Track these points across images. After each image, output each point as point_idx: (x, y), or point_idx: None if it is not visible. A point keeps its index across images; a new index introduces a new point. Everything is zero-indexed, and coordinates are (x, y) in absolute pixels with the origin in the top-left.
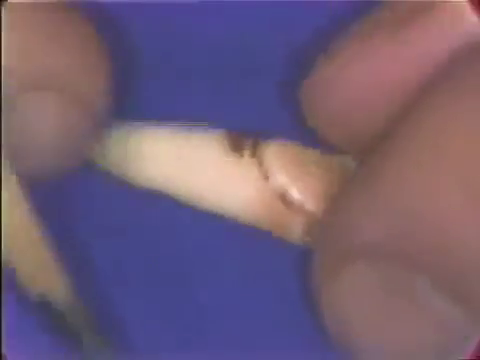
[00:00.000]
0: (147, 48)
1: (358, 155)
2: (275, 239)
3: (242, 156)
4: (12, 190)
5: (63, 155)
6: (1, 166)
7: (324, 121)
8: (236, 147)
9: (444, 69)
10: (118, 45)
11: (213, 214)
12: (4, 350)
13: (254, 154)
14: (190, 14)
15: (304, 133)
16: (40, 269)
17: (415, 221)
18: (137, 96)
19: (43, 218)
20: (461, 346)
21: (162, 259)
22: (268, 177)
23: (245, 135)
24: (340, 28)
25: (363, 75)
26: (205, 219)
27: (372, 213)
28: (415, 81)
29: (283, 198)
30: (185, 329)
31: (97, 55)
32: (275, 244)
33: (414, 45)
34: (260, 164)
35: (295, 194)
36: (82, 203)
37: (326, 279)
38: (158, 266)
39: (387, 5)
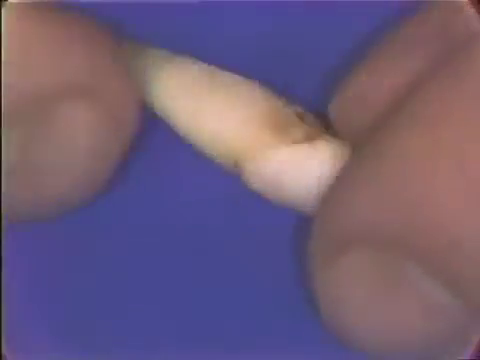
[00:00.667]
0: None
1: None
2: (276, 239)
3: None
4: None
5: (92, 170)
6: (1, 167)
7: (355, 133)
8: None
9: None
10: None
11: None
12: (4, 350)
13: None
14: (190, 14)
15: None
16: None
17: (410, 208)
18: None
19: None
20: (457, 338)
21: (162, 259)
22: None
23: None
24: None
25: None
26: (205, 219)
27: (368, 200)
28: None
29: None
30: (185, 329)
31: (114, 56)
32: (276, 244)
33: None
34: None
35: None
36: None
37: (322, 265)
38: (158, 266)
39: (434, 5)
